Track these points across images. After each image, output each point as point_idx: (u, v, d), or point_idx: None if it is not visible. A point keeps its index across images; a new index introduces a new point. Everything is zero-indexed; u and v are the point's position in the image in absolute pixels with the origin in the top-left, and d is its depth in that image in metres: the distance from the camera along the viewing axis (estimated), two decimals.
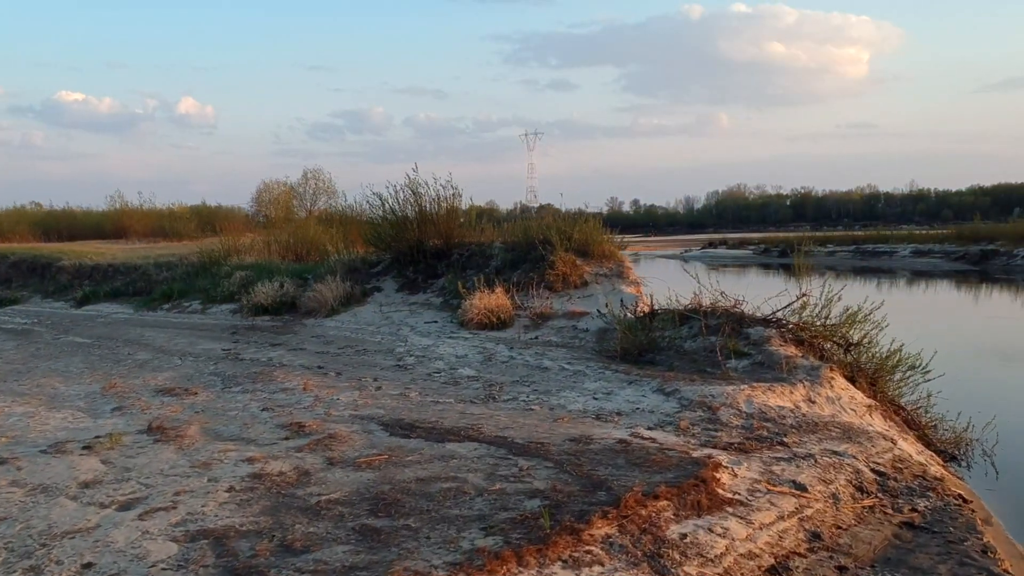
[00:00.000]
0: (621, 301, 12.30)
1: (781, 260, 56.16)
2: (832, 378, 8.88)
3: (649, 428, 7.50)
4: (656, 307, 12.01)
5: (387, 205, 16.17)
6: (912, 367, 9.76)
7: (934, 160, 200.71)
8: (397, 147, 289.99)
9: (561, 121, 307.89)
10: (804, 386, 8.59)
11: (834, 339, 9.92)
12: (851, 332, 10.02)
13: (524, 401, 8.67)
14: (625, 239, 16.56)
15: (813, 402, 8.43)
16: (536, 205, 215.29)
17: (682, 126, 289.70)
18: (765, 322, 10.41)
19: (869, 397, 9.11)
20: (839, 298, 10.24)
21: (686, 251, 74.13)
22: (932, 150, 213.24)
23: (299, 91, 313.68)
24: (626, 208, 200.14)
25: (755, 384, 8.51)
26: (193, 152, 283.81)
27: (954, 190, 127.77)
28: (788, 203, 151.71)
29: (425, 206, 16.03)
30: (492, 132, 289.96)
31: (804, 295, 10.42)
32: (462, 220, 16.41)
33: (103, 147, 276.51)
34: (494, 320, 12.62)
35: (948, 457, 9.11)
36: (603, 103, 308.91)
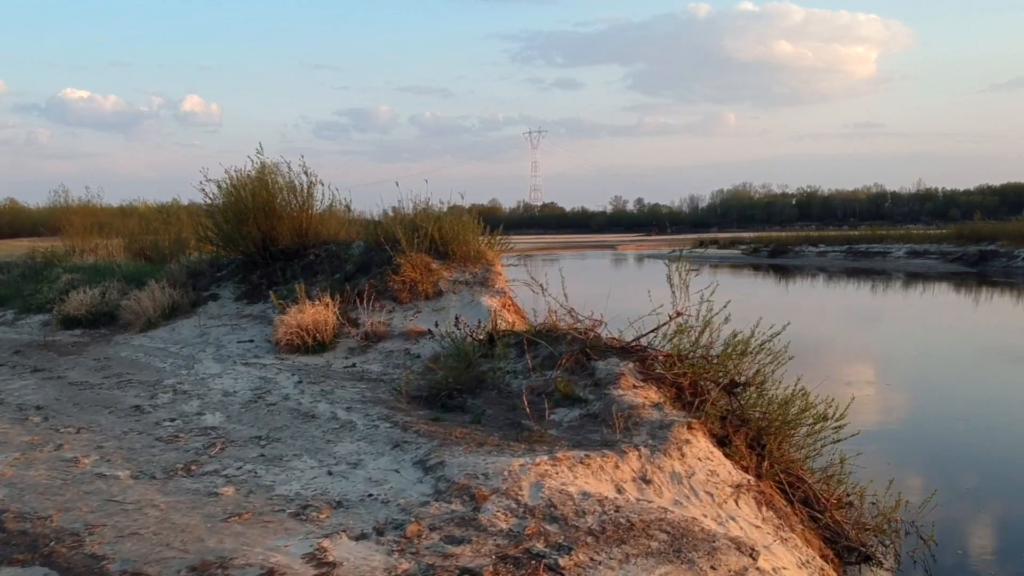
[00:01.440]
0: (479, 320, 9.39)
1: (771, 260, 53.38)
2: (687, 441, 5.99)
3: (358, 537, 4.65)
4: (511, 327, 9.14)
5: (230, 192, 13.24)
6: (821, 418, 6.86)
7: (942, 159, 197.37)
8: (403, 146, 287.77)
9: (567, 120, 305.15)
10: (639, 455, 5.70)
11: (708, 376, 7.02)
12: (739, 366, 7.14)
13: (225, 476, 5.81)
14: (512, 237, 13.67)
15: (647, 482, 5.53)
16: (539, 204, 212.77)
17: (688, 125, 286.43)
18: (624, 351, 7.52)
19: (746, 468, 6.21)
20: (727, 317, 7.35)
21: (673, 251, 70.73)
22: (940, 149, 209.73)
23: (305, 90, 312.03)
24: (630, 207, 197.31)
25: (565, 453, 5.62)
26: (198, 150, 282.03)
27: (962, 189, 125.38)
28: (793, 202, 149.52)
29: (276, 196, 13.13)
30: (498, 131, 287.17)
31: (678, 313, 7.52)
32: (320, 213, 13.48)
33: (109, 145, 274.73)
34: (309, 341, 9.74)
35: (861, 557, 6.24)
36: (609, 102, 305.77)
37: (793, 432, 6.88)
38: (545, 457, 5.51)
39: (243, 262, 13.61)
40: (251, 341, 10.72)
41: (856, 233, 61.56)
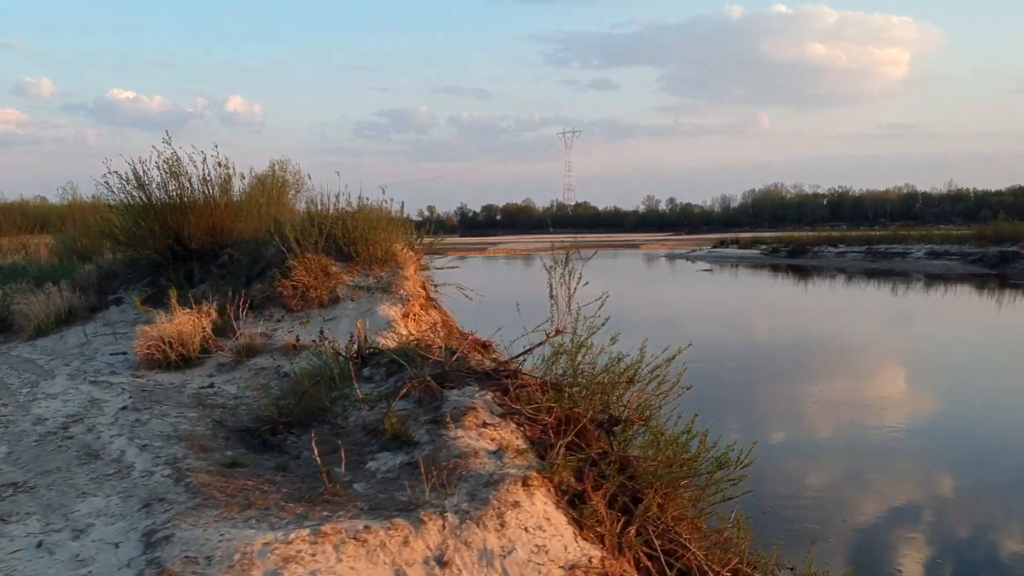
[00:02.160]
0: (352, 334, 8.07)
1: (789, 261, 51.59)
2: (516, 503, 4.62)
3: None
4: (404, 340, 7.82)
5: (134, 184, 12.00)
6: (719, 465, 5.46)
7: (974, 160, 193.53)
8: (441, 145, 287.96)
9: (602, 120, 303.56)
10: (442, 525, 4.34)
11: (580, 412, 5.63)
12: (619, 397, 5.77)
13: None
14: (440, 237, 12.34)
15: (444, 564, 4.16)
16: (572, 203, 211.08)
17: (722, 126, 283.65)
18: (489, 378, 6.15)
19: (603, 537, 4.82)
20: (615, 336, 5.97)
21: (693, 251, 69.37)
22: (972, 150, 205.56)
23: (345, 90, 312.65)
24: (662, 207, 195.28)
25: (336, 525, 4.27)
26: (241, 150, 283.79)
27: (994, 190, 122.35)
28: (824, 202, 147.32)
29: (187, 189, 11.89)
30: (534, 131, 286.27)
31: (557, 331, 6.15)
32: (236, 207, 12.19)
33: (154, 145, 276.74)
34: (172, 356, 8.46)
35: None
36: (644, 103, 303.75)
37: (682, 484, 5.48)
38: (306, 532, 4.15)
39: (154, 263, 12.39)
40: (124, 353, 9.47)
41: (875, 233, 59.48)
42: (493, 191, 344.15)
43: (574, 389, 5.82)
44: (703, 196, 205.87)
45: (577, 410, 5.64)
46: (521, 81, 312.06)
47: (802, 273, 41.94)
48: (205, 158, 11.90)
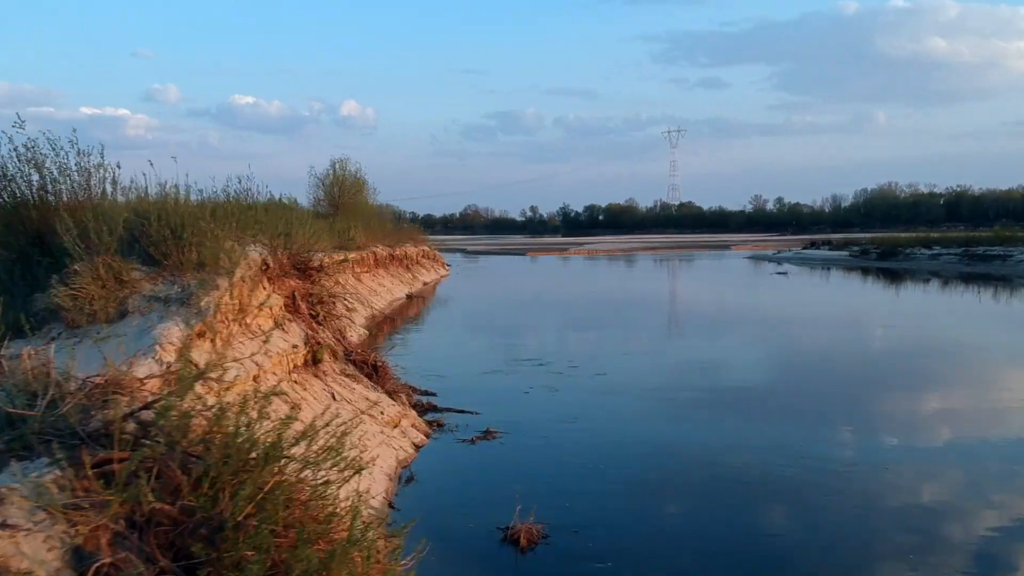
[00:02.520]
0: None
1: (879, 263, 47.71)
2: None
3: None
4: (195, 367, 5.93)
5: None
6: None
7: None
8: (547, 147, 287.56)
9: (710, 119, 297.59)
10: None
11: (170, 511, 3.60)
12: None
13: None
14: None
15: None
16: (677, 203, 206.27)
17: (836, 124, 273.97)
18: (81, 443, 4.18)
19: None
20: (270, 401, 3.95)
21: (778, 252, 65.56)
22: None
23: (454, 93, 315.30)
24: (770, 206, 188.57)
25: None
26: (355, 152, 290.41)
27: None
28: (941, 202, 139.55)
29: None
30: (641, 131, 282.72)
31: (169, 371, 4.16)
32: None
33: (274, 148, 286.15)
34: None
35: None
36: (755, 101, 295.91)
37: None
38: None
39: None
40: None
41: (974, 234, 54.74)
42: (597, 191, 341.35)
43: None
44: (813, 196, 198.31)
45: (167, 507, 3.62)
46: (628, 81, 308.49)
47: (889, 277, 38.35)
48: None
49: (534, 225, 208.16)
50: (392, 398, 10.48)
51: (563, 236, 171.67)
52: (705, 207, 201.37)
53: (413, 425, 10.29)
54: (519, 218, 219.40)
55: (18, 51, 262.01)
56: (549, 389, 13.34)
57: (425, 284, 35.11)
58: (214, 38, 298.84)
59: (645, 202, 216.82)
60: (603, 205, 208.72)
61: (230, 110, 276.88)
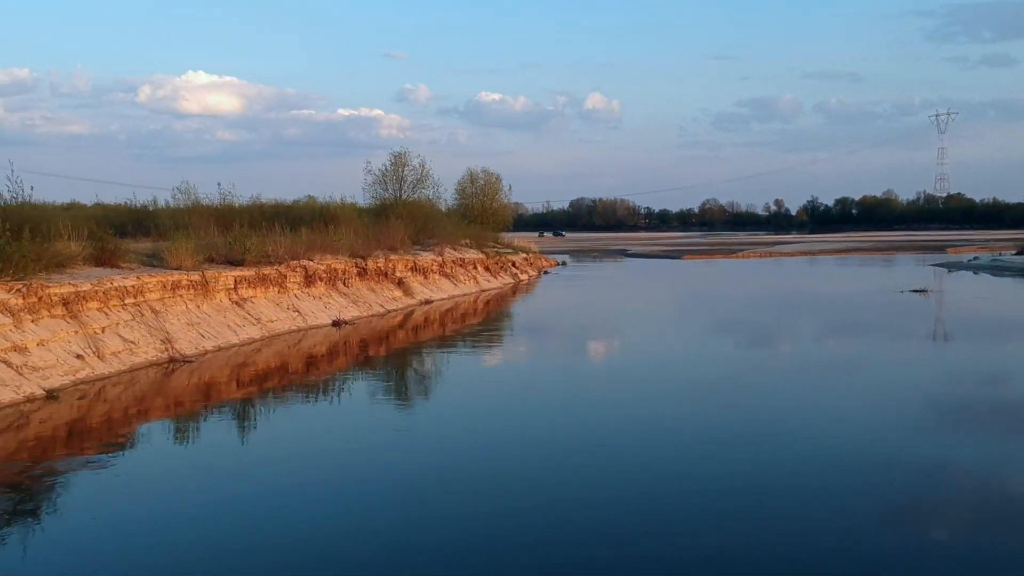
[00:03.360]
0: None
1: None
2: None
3: None
4: None
5: None
6: None
7: None
8: (807, 135, 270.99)
9: (995, 101, 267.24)
10: None
11: None
12: None
13: None
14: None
15: None
16: (944, 195, 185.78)
17: None
18: None
19: None
20: None
21: (974, 258, 54.45)
22: None
23: (704, 82, 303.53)
24: None
25: None
26: (600, 146, 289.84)
27: None
28: None
29: None
30: (913, 116, 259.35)
31: None
32: None
33: (519, 144, 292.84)
34: None
35: None
36: None
37: None
38: None
39: None
40: None
41: None
42: (853, 183, 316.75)
43: None
44: None
45: None
46: (897, 61, 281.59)
47: None
48: None
49: (779, 220, 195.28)
50: None
51: (809, 233, 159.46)
52: (977, 199, 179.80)
53: None
54: (763, 213, 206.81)
55: (282, 58, 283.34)
56: None
57: (428, 302, 30.63)
58: (462, 37, 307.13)
59: (906, 194, 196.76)
60: (856, 198, 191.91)
61: (477, 107, 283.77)
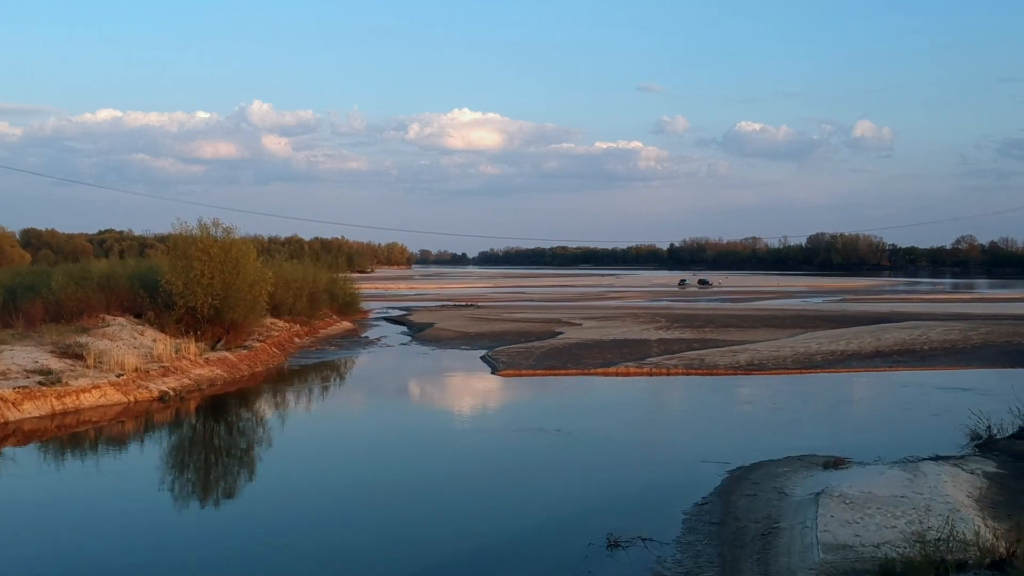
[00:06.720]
0: None
1: None
2: None
3: None
4: None
5: None
6: None
7: None
8: None
9: None
10: None
11: None
12: None
13: None
14: None
15: None
16: None
17: None
18: None
19: None
20: None
21: None
22: None
23: (988, 107, 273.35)
24: None
25: None
26: (871, 176, 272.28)
27: None
28: None
29: None
30: None
31: None
32: None
33: (782, 174, 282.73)
34: None
35: None
36: None
37: None
38: None
39: None
40: None
41: None
42: None
43: None
44: None
45: None
46: None
47: None
48: None
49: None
50: None
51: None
52: None
53: None
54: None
55: (540, 94, 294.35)
56: None
57: None
58: (717, 68, 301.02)
59: None
60: None
61: (736, 138, 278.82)
